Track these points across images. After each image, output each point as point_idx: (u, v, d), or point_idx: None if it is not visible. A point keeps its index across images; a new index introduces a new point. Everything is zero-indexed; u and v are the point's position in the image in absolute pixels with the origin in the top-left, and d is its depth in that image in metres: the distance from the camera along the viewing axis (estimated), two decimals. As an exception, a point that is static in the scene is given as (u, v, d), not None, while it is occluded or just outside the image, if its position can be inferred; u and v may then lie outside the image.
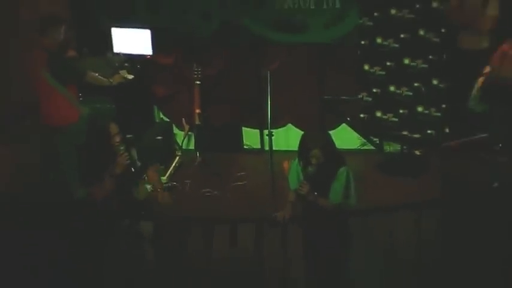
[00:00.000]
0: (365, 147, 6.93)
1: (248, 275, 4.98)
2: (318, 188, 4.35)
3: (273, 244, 4.99)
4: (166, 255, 4.86)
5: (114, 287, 4.55)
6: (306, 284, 4.57)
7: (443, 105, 6.25)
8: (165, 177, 6.27)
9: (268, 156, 5.90)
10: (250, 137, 7.12)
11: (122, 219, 4.57)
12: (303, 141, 4.43)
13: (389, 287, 4.83)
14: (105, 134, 4.43)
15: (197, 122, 6.59)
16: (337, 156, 4.39)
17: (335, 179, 4.31)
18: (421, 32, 6.08)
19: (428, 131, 6.29)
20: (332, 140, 4.42)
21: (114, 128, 4.41)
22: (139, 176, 4.60)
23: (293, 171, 4.50)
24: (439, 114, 6.26)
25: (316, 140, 4.36)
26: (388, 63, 6.30)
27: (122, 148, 4.39)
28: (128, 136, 4.88)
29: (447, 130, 6.28)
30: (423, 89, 6.18)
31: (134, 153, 4.56)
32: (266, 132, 6.22)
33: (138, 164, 4.58)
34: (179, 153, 6.82)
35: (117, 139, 4.40)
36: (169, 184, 6.19)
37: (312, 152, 4.27)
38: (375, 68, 6.36)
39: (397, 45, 6.21)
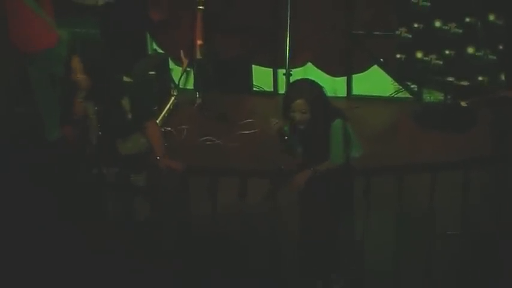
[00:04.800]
0: (400, 95, 6.91)
1: (259, 234, 4.93)
2: (313, 152, 4.32)
3: (286, 200, 4.95)
4: (164, 210, 4.87)
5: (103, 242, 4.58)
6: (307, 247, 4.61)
7: (500, 47, 6.12)
8: (157, 121, 6.17)
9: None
10: (261, 77, 7.08)
11: (104, 170, 4.56)
12: (285, 96, 4.33)
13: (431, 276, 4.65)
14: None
15: (198, 55, 6.56)
16: (330, 109, 4.28)
17: (331, 135, 4.23)
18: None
19: (480, 78, 6.22)
20: (322, 90, 4.29)
21: (76, 62, 4.30)
22: (128, 130, 4.54)
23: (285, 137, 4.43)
24: (494, 57, 6.15)
25: (299, 89, 4.26)
26: (434, -8, 6.23)
27: (81, 94, 4.33)
28: (125, 80, 4.97)
29: (503, 77, 6.17)
30: (479, 24, 6.07)
31: (126, 102, 4.50)
32: (282, 71, 6.53)
33: (129, 116, 4.51)
34: (175, 93, 6.85)
35: (80, 78, 4.30)
36: (163, 130, 6.14)
37: (295, 102, 4.14)
38: (418, -3, 6.26)
39: (446, -30, 6.15)
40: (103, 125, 4.47)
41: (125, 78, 5.70)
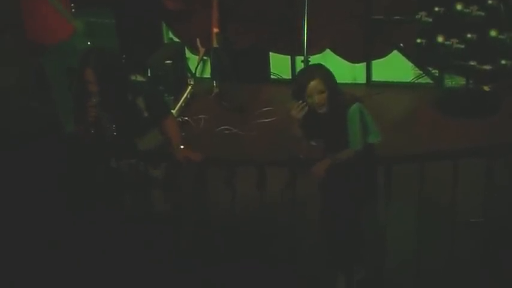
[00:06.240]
0: (421, 81, 6.89)
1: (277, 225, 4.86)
2: (333, 140, 4.29)
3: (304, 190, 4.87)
4: (181, 202, 4.89)
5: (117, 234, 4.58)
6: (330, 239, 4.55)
7: (524, 29, 6.01)
8: (174, 111, 6.30)
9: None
10: (279, 65, 7.09)
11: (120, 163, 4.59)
12: (298, 81, 4.23)
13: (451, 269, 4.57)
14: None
15: (215, 44, 6.56)
16: (344, 96, 4.23)
17: (348, 121, 4.17)
18: None
19: (503, 61, 6.13)
20: (332, 73, 4.21)
21: (89, 73, 4.18)
22: (145, 128, 4.54)
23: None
24: (517, 40, 6.05)
25: (311, 71, 4.22)
26: (455, -26, 6.10)
27: (94, 101, 4.23)
28: (138, 79, 5.01)
29: (527, 61, 6.08)
30: (501, 6, 5.98)
31: (141, 101, 4.47)
32: (300, 58, 6.47)
33: (145, 114, 4.48)
34: (192, 82, 6.88)
35: (94, 88, 4.19)
36: (180, 119, 6.20)
37: (310, 84, 4.05)
38: (438, -20, 6.15)
39: (467, -50, 6.03)
40: (119, 126, 4.46)
41: (139, 78, 5.72)
